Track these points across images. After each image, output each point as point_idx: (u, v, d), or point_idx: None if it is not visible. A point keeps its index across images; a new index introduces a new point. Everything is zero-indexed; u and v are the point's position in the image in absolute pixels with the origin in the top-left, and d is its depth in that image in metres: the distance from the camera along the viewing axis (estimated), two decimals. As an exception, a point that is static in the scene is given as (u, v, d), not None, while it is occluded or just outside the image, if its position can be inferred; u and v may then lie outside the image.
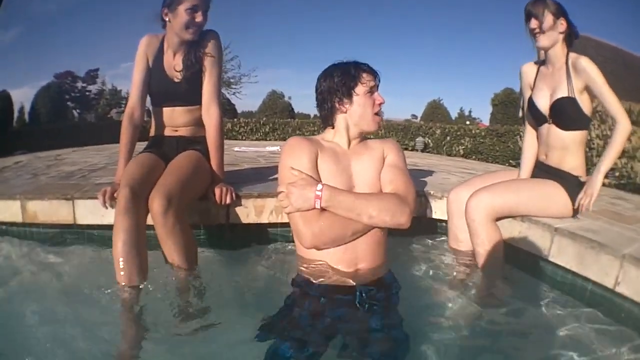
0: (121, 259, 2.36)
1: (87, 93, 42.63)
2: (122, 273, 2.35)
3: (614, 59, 20.06)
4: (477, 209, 2.82)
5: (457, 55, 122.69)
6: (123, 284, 2.34)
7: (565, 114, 2.86)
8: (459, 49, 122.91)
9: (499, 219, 2.90)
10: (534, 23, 2.86)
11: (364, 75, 2.45)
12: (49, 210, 3.02)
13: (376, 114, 2.49)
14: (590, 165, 7.08)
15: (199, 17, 2.91)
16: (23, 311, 2.20)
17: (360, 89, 2.44)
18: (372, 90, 2.46)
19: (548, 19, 2.82)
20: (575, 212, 2.89)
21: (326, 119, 2.56)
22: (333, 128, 2.54)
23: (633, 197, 4.63)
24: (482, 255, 2.82)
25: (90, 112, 37.94)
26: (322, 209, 2.25)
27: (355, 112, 2.47)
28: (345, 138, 2.51)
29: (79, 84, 42.45)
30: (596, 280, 2.41)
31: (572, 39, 2.92)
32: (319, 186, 2.23)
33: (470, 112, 51.56)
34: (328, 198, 2.22)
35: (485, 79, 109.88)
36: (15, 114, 23.48)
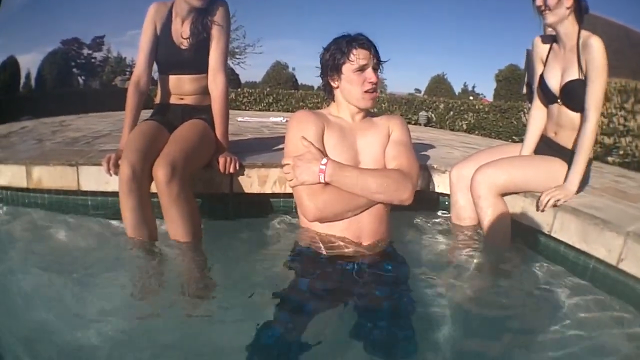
0: (131, 233, 2.53)
1: (93, 60, 42.60)
2: (132, 243, 2.48)
3: (620, 38, 19.93)
4: (482, 184, 2.81)
5: (462, 30, 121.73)
6: (134, 250, 2.45)
7: (577, 96, 2.78)
8: (464, 23, 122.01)
9: (503, 194, 2.89)
10: (539, 0, 2.78)
11: (355, 51, 2.40)
12: (54, 176, 3.05)
13: (368, 91, 2.44)
14: (595, 143, 7.08)
15: None
16: (24, 277, 2.26)
17: (348, 67, 2.41)
18: (362, 68, 2.41)
19: None
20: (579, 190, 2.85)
21: (326, 92, 2.58)
22: (334, 101, 2.55)
23: (637, 176, 4.62)
24: (490, 229, 2.82)
25: (95, 79, 37.99)
26: (326, 183, 2.27)
27: (344, 89, 2.47)
28: (347, 112, 2.52)
29: (85, 51, 42.43)
30: (599, 256, 2.42)
31: (582, 14, 2.82)
32: (324, 160, 2.25)
33: (474, 87, 51.39)
34: (332, 172, 2.24)
35: (489, 54, 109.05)
36: (22, 80, 23.56)
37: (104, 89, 26.83)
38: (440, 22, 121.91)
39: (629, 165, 6.36)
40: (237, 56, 28.60)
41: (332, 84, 2.50)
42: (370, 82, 2.41)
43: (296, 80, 26.64)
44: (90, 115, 7.53)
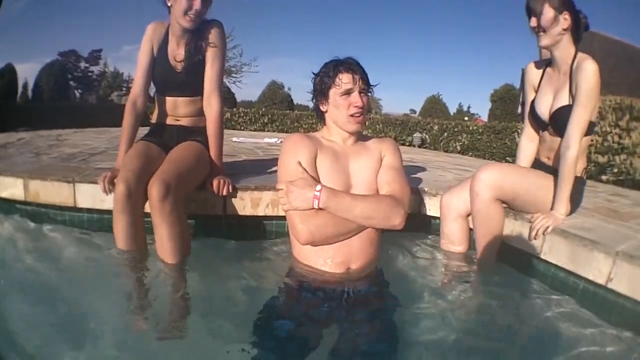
0: (122, 248, 2.56)
1: (90, 74, 42.83)
2: (122, 259, 2.50)
3: (617, 53, 19.98)
4: (484, 182, 2.79)
5: (457, 50, 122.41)
6: (124, 265, 2.48)
7: (566, 123, 2.71)
8: (460, 44, 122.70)
9: (501, 200, 2.86)
10: (533, 21, 2.76)
11: (340, 75, 2.45)
12: (51, 191, 3.08)
13: (354, 115, 2.48)
14: (588, 163, 7.11)
15: (197, 4, 2.90)
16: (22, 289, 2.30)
17: (334, 91, 2.48)
18: (348, 92, 2.45)
19: (548, 14, 2.70)
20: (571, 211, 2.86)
21: (317, 116, 2.64)
22: (325, 125, 2.61)
23: (631, 193, 4.66)
24: (480, 235, 2.85)
25: (92, 93, 38.05)
26: (319, 209, 2.30)
27: (332, 113, 2.52)
28: (338, 135, 2.57)
29: (82, 64, 42.66)
30: (588, 277, 2.45)
31: (580, 34, 2.80)
32: (318, 187, 2.28)
33: (469, 107, 51.67)
34: (326, 199, 2.28)
35: (484, 74, 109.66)
36: (19, 89, 23.59)
37: (101, 104, 26.89)
38: (435, 42, 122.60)
39: (623, 183, 6.39)
40: (234, 75, 28.57)
41: (322, 108, 2.56)
42: (355, 106, 2.46)
43: (292, 100, 26.70)
44: (87, 131, 7.56)
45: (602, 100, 7.08)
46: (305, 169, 2.35)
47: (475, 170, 2.90)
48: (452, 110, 37.09)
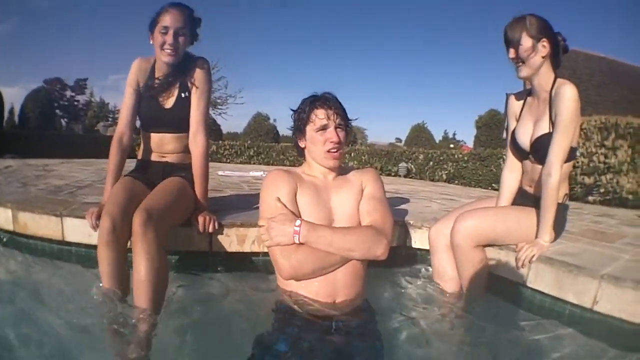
0: (104, 283, 2.48)
1: (76, 103, 42.84)
2: (103, 295, 2.43)
3: (602, 71, 20.28)
4: (463, 233, 2.79)
5: (441, 77, 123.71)
6: (105, 301, 2.40)
7: (546, 152, 2.70)
8: (443, 70, 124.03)
9: (484, 244, 2.87)
10: (511, 52, 2.77)
11: (316, 112, 2.48)
12: (39, 224, 3.10)
13: (330, 151, 2.49)
14: (573, 184, 7.13)
15: (169, 38, 2.93)
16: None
17: (310, 127, 2.51)
18: (323, 128, 2.48)
19: (526, 43, 2.70)
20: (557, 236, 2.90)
21: (298, 152, 2.67)
22: (306, 160, 2.64)
23: (618, 212, 4.72)
24: (466, 278, 2.83)
25: (78, 123, 37.98)
26: (300, 243, 2.31)
27: (310, 149, 2.55)
28: (318, 170, 2.58)
29: (68, 93, 42.66)
30: (574, 302, 2.46)
31: (559, 59, 2.80)
32: (298, 222, 2.30)
33: (454, 134, 52.03)
34: (306, 233, 2.29)
35: (469, 100, 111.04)
36: (6, 114, 23.51)
37: (87, 135, 26.84)
38: (420, 69, 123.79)
39: (610, 203, 6.45)
40: (219, 106, 28.82)
41: (300, 144, 2.59)
42: (331, 142, 2.47)
43: (277, 132, 26.82)
44: (73, 162, 7.59)
45: (587, 121, 7.16)
46: (284, 205, 2.37)
47: (459, 206, 2.98)
48: (438, 137, 37.37)
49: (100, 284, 2.48)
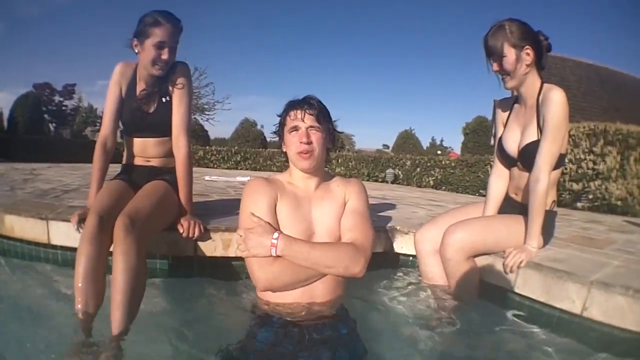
0: (80, 284, 2.35)
1: (64, 108, 42.73)
2: (79, 299, 2.34)
3: (590, 78, 20.45)
4: (452, 247, 2.77)
5: (428, 84, 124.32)
6: (79, 307, 2.33)
7: (534, 159, 2.66)
8: (431, 77, 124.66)
9: (474, 255, 2.85)
10: (495, 66, 2.74)
11: (290, 112, 2.45)
12: (25, 227, 3.10)
13: (301, 152, 2.42)
14: (562, 190, 7.16)
15: (165, 54, 2.91)
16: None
17: (285, 129, 2.48)
18: (295, 128, 2.44)
19: (510, 56, 2.67)
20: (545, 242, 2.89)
21: (284, 156, 2.61)
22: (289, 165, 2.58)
23: (607, 219, 4.72)
24: (458, 289, 2.80)
25: (66, 128, 37.92)
26: (277, 256, 2.29)
27: (287, 152, 2.50)
28: (298, 176, 2.54)
29: (56, 98, 42.54)
30: (563, 308, 2.45)
31: (543, 62, 2.75)
32: (275, 234, 2.28)
33: (442, 141, 52.17)
34: (283, 247, 2.27)
35: (456, 107, 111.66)
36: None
37: (75, 140, 26.83)
38: (407, 76, 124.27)
39: (599, 209, 6.48)
40: (207, 112, 28.92)
41: (283, 148, 2.55)
42: (300, 142, 2.40)
43: (265, 137, 26.85)
44: (61, 166, 7.59)
45: (575, 127, 7.21)
46: (260, 218, 2.34)
47: (444, 212, 2.93)
48: (425, 144, 37.48)
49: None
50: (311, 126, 2.42)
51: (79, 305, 2.33)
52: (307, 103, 2.44)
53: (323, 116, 2.47)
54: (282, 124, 2.50)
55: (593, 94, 19.27)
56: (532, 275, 2.61)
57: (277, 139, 2.61)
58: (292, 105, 2.46)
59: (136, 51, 2.98)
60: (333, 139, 2.59)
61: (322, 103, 2.50)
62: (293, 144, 2.43)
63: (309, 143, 2.40)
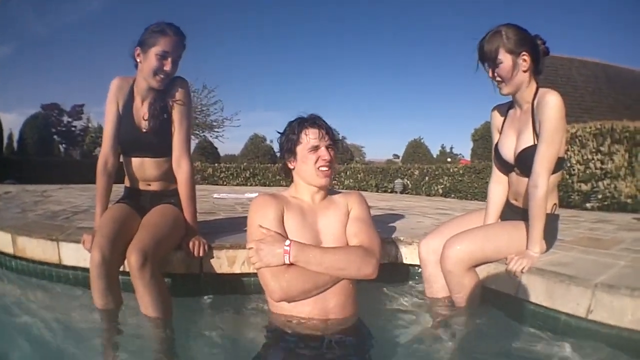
0: (98, 308, 2.54)
1: (73, 128, 42.93)
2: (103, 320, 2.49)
3: (597, 77, 20.33)
4: (453, 259, 2.74)
5: (437, 91, 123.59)
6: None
7: (532, 164, 2.64)
8: (440, 85, 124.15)
9: (475, 266, 2.81)
10: (491, 72, 2.73)
11: (307, 131, 2.51)
12: (37, 248, 3.16)
13: (322, 168, 2.50)
14: (571, 192, 7.11)
15: (167, 65, 2.86)
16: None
17: (301, 147, 2.52)
18: (315, 147, 2.50)
19: (507, 62, 2.65)
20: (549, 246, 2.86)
21: (284, 174, 2.68)
22: (293, 182, 2.64)
23: (616, 217, 4.66)
24: (459, 299, 2.79)
25: (76, 149, 38.10)
26: (290, 264, 2.31)
27: (300, 169, 2.54)
28: (306, 192, 2.60)
29: (65, 118, 42.77)
30: (568, 311, 2.41)
31: (540, 67, 2.73)
32: (287, 242, 2.31)
33: (452, 148, 51.79)
34: (296, 253, 2.29)
35: (466, 113, 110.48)
36: (5, 140, 23.68)
37: (85, 160, 26.94)
38: (416, 84, 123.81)
39: (609, 208, 6.44)
40: (216, 129, 28.89)
41: (289, 165, 2.60)
42: (323, 160, 2.49)
43: (274, 152, 26.87)
44: (71, 187, 7.65)
45: (582, 128, 7.16)
46: (268, 229, 2.37)
47: (448, 220, 2.93)
48: (435, 152, 37.27)
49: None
50: (329, 145, 2.52)
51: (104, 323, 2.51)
52: (322, 122, 2.55)
53: (334, 135, 2.58)
54: (295, 142, 2.53)
55: (600, 93, 19.16)
56: (535, 280, 2.59)
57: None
58: (308, 124, 2.53)
59: (138, 60, 2.92)
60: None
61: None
62: (313, 162, 2.49)
63: (330, 161, 2.51)
